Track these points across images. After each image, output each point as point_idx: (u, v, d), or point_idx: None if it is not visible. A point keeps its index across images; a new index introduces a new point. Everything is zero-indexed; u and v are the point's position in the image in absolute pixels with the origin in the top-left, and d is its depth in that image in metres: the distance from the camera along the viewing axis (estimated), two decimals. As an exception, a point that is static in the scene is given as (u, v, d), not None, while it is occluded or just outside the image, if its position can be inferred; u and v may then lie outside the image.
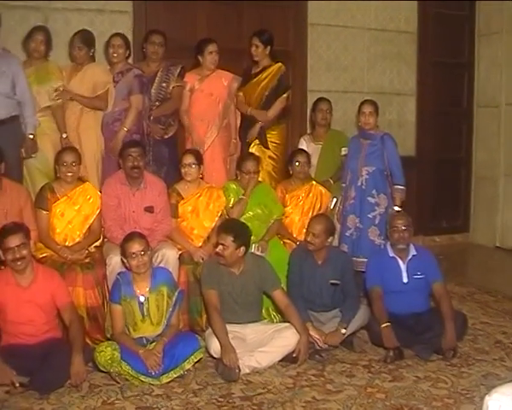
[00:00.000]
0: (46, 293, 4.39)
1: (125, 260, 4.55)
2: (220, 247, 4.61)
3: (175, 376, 4.35)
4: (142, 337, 4.49)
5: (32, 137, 5.57)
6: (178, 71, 6.08)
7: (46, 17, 6.34)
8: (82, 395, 4.14)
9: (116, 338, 4.47)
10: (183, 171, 5.39)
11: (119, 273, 4.67)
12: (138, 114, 5.86)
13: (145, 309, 4.50)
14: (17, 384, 4.08)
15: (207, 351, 4.58)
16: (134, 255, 4.46)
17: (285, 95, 6.23)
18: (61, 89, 5.68)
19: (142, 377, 4.28)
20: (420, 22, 8.03)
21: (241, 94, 6.24)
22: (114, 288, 4.58)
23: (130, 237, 4.56)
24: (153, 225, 5.22)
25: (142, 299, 4.50)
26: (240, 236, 4.64)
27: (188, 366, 4.39)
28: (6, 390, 4.13)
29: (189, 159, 5.39)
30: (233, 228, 4.71)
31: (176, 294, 4.56)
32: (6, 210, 4.94)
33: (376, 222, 5.56)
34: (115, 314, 4.51)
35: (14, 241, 4.27)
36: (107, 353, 4.26)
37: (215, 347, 4.48)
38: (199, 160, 5.43)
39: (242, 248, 4.65)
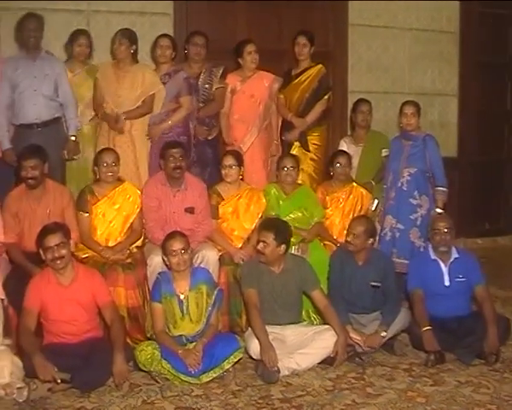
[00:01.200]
0: (87, 292, 4.43)
1: (166, 259, 4.59)
2: (261, 244, 4.62)
3: (214, 375, 4.36)
4: (181, 336, 4.51)
5: (74, 138, 5.64)
6: (221, 72, 6.12)
7: (88, 20, 6.42)
8: (122, 395, 4.18)
9: (157, 336, 4.52)
10: (223, 172, 5.40)
11: (159, 273, 4.71)
12: (186, 116, 5.90)
13: (185, 307, 4.53)
14: (59, 381, 4.11)
15: (247, 352, 4.57)
16: (174, 253, 4.50)
17: (326, 97, 6.20)
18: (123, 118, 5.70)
19: (182, 376, 4.30)
20: (462, 22, 7.95)
21: (282, 97, 6.23)
22: (155, 286, 4.62)
23: (171, 236, 4.61)
24: (193, 226, 5.23)
25: (181, 297, 4.54)
26: (281, 234, 4.65)
27: (227, 365, 4.40)
28: (48, 388, 4.17)
29: (229, 160, 5.40)
30: (274, 226, 4.71)
31: (215, 293, 4.58)
32: (49, 210, 5.04)
33: (418, 224, 5.51)
34: (156, 312, 4.55)
35: (53, 240, 4.33)
36: (147, 351, 4.29)
37: (255, 348, 4.47)
38: (239, 161, 5.43)
39: (283, 247, 4.65)
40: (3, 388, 4.13)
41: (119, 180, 5.30)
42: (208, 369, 4.35)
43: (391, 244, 5.58)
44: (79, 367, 4.18)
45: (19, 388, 4.12)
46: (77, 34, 5.95)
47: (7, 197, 5.07)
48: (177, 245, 4.51)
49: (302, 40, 6.14)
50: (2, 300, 4.68)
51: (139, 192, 5.30)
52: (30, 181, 4.98)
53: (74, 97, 5.72)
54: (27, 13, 5.65)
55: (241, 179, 5.52)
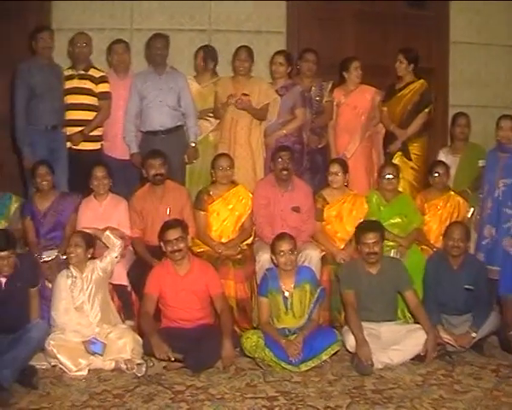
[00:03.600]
0: (201, 282, 4.61)
1: (274, 257, 4.70)
2: (373, 244, 4.67)
3: (313, 365, 4.43)
4: (284, 328, 4.60)
5: (194, 145, 5.84)
6: (330, 86, 6.18)
7: (210, 38, 6.63)
8: (229, 376, 4.33)
9: (262, 327, 4.63)
10: (329, 178, 5.46)
11: (267, 269, 4.82)
12: (300, 126, 5.99)
13: (289, 303, 4.63)
14: (172, 359, 4.32)
15: (344, 346, 4.61)
16: (282, 253, 4.61)
17: (426, 110, 6.12)
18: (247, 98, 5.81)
19: (283, 364, 4.39)
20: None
21: (385, 109, 6.20)
22: (262, 282, 4.75)
23: (281, 237, 4.71)
24: (299, 224, 5.32)
25: (286, 294, 4.63)
26: (383, 233, 4.77)
27: (325, 357, 4.47)
28: (163, 366, 4.41)
29: (335, 167, 5.45)
30: (380, 227, 4.83)
31: (318, 291, 4.66)
32: (169, 208, 5.24)
33: (511, 232, 5.37)
34: (262, 306, 4.67)
35: (173, 234, 4.55)
36: (252, 339, 4.43)
37: (351, 342, 4.53)
38: (344, 168, 5.47)
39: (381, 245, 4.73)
40: (125, 363, 4.38)
41: (233, 183, 5.45)
42: (307, 359, 4.43)
43: (489, 252, 5.47)
44: (192, 350, 4.35)
45: (138, 364, 4.36)
46: (199, 49, 6.17)
47: (133, 197, 5.34)
48: (285, 246, 4.62)
49: (400, 57, 6.10)
50: (126, 286, 4.94)
51: (251, 195, 5.43)
52: (157, 177, 5.22)
53: (195, 108, 5.91)
54: (155, 33, 5.90)
55: (346, 186, 5.55)
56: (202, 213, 5.36)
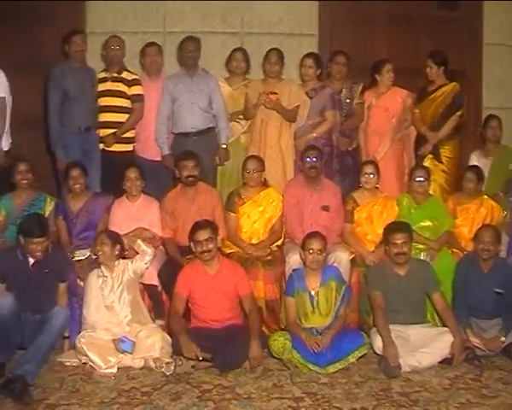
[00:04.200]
0: (230, 282, 4.67)
1: (303, 254, 4.74)
2: (402, 244, 4.69)
3: (340, 367, 4.45)
4: (312, 328, 4.63)
5: (225, 146, 5.89)
6: (360, 89, 6.19)
7: (242, 41, 6.69)
8: (256, 377, 4.37)
9: (289, 327, 4.68)
10: (362, 179, 5.47)
11: (293, 269, 4.87)
12: (330, 128, 6.01)
13: (315, 302, 4.67)
14: (200, 358, 4.37)
15: (372, 347, 4.62)
16: (312, 251, 4.66)
17: (458, 113, 6.10)
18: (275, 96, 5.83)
19: (310, 366, 4.42)
20: None
21: (417, 111, 6.20)
22: (289, 282, 4.81)
23: (312, 235, 4.77)
24: (328, 223, 5.35)
25: (312, 292, 4.67)
26: (411, 234, 4.80)
27: (352, 359, 4.49)
28: (192, 365, 4.46)
29: (369, 168, 5.47)
30: (408, 228, 4.83)
31: (343, 288, 4.70)
32: (201, 209, 5.29)
33: (542, 235, 5.33)
34: (289, 305, 4.72)
35: (202, 235, 4.62)
36: (279, 341, 4.47)
37: (378, 343, 4.54)
38: (377, 170, 5.49)
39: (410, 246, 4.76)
40: (154, 361, 4.45)
41: (265, 185, 5.49)
42: (334, 361, 4.45)
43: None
44: (220, 349, 4.40)
45: (167, 362, 4.42)
46: (234, 51, 6.19)
47: (165, 198, 5.41)
48: (315, 245, 4.67)
49: (429, 63, 6.11)
50: (157, 286, 5.01)
51: (281, 197, 5.46)
52: (190, 179, 5.28)
53: (226, 110, 5.96)
54: (187, 36, 5.98)
55: (376, 187, 5.56)
56: (233, 214, 5.40)
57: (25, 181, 5.19)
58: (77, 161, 5.41)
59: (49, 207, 5.22)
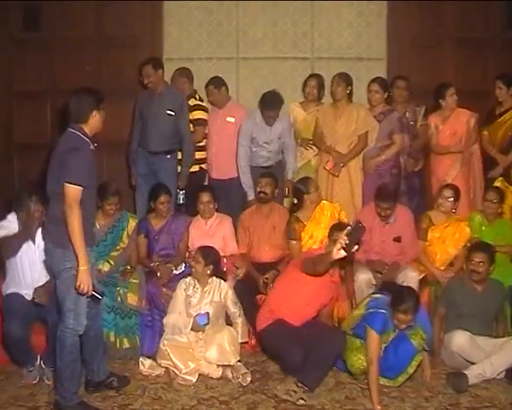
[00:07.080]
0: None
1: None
2: (479, 263, 4.86)
3: (406, 378, 4.52)
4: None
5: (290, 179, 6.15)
6: (423, 111, 6.34)
7: (312, 66, 6.93)
8: (329, 389, 4.53)
9: (372, 364, 4.43)
10: (439, 201, 5.60)
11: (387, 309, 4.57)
12: (399, 151, 6.16)
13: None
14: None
15: (450, 348, 4.76)
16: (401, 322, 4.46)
17: (529, 135, 6.15)
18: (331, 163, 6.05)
19: (381, 380, 4.46)
20: None
21: (486, 133, 6.29)
22: (381, 320, 4.46)
23: (407, 310, 4.43)
24: (398, 254, 5.45)
25: None
26: (492, 256, 4.93)
27: (411, 370, 4.51)
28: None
29: (448, 192, 5.58)
30: (488, 249, 4.98)
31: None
32: (274, 226, 5.57)
33: None
34: (374, 341, 4.41)
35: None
36: (362, 360, 4.52)
37: (456, 341, 4.72)
38: (457, 195, 5.59)
39: (491, 268, 4.91)
40: (231, 371, 4.64)
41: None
42: (397, 375, 4.51)
43: None
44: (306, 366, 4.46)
45: (243, 373, 4.62)
46: (308, 78, 6.47)
47: (242, 214, 5.71)
48: (406, 318, 4.42)
49: (498, 84, 6.20)
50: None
51: (335, 204, 5.59)
52: (261, 195, 5.56)
53: (294, 145, 6.23)
54: (267, 99, 6.09)
55: (454, 212, 5.63)
56: (294, 242, 5.47)
57: (112, 211, 5.36)
58: (164, 184, 5.75)
59: (131, 225, 5.45)
